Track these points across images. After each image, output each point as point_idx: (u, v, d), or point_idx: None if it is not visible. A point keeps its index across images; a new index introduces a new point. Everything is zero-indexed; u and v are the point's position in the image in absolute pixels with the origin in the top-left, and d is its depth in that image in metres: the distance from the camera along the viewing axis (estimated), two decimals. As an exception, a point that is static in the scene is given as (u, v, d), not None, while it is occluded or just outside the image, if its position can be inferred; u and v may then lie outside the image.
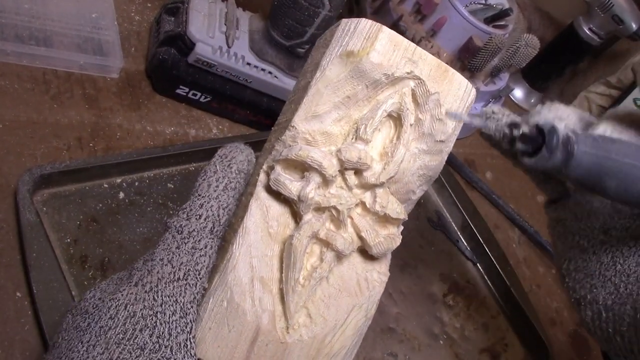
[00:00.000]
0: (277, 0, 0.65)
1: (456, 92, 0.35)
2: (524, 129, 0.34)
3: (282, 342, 0.34)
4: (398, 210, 0.36)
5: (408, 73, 0.34)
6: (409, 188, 0.36)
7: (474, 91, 0.36)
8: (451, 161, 0.90)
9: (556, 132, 0.33)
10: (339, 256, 0.36)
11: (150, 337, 0.29)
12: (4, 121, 0.58)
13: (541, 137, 0.33)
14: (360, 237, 0.36)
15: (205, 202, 0.33)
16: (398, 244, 0.36)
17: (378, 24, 0.34)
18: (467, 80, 0.36)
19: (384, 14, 0.90)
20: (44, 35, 0.64)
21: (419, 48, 0.34)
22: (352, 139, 0.35)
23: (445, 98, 0.35)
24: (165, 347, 0.29)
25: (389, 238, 0.36)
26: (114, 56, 0.67)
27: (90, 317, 0.30)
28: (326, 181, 0.34)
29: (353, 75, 0.34)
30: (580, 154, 0.33)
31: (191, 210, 0.33)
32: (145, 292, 0.30)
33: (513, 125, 0.34)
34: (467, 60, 0.88)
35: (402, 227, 0.37)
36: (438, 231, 0.81)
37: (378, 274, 0.37)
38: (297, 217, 0.35)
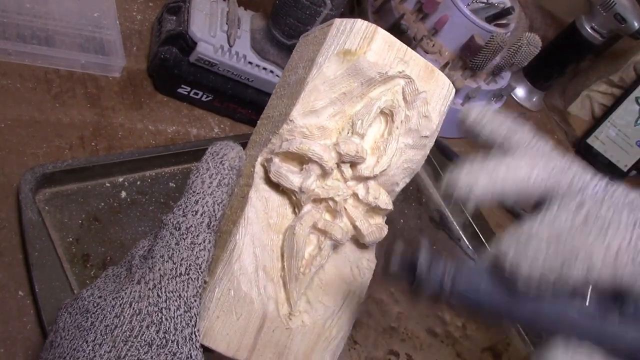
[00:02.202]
0: (279, -1, 0.66)
1: (440, 92, 0.38)
2: (394, 267, 0.32)
3: (286, 328, 0.35)
4: (387, 201, 0.38)
5: (400, 72, 0.36)
6: (394, 180, 0.39)
7: (453, 90, 0.39)
8: (453, 159, 0.90)
9: (422, 289, 0.31)
10: (335, 245, 0.37)
11: (157, 332, 0.30)
12: (6, 120, 0.58)
13: (411, 275, 0.32)
14: (354, 227, 0.37)
15: (200, 198, 0.33)
16: (386, 233, 0.39)
17: (373, 24, 0.36)
18: (449, 80, 0.38)
19: (385, 13, 0.90)
20: (46, 35, 0.64)
21: (409, 49, 0.36)
22: (348, 133, 0.36)
23: (431, 97, 0.37)
24: (172, 342, 0.30)
25: (379, 227, 0.38)
26: (115, 55, 0.67)
27: (93, 316, 0.31)
28: (325, 173, 0.36)
29: (349, 72, 0.35)
30: (452, 305, 0.32)
31: (187, 206, 0.33)
32: (149, 289, 0.31)
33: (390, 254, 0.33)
34: (468, 59, 0.88)
35: (385, 217, 0.39)
36: (440, 230, 0.81)
37: (367, 261, 0.40)
38: (294, 207, 0.37)
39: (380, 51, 0.35)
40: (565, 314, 0.33)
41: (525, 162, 0.35)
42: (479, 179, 0.34)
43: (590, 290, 0.33)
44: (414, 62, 0.36)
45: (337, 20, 0.36)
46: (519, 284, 0.32)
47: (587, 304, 0.33)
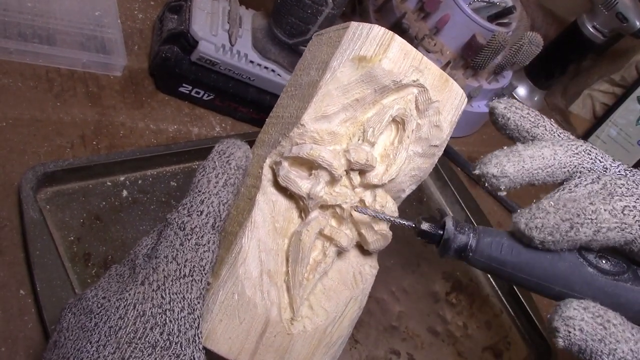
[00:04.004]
0: (280, -2, 0.65)
1: (453, 102, 0.37)
2: (424, 226, 0.36)
3: (288, 334, 0.35)
4: (393, 209, 0.38)
5: (414, 81, 0.36)
6: (401, 187, 0.38)
7: (465, 100, 0.38)
8: (454, 158, 0.90)
9: (449, 245, 0.35)
10: (340, 251, 0.37)
11: (161, 334, 0.30)
12: (7, 119, 0.58)
13: (440, 233, 0.36)
14: (360, 234, 0.37)
15: (205, 198, 0.33)
16: (390, 239, 0.39)
17: (390, 32, 0.35)
18: (462, 90, 0.38)
19: (386, 12, 0.90)
20: (47, 33, 0.64)
21: (425, 58, 0.36)
22: (359, 140, 0.36)
23: (443, 106, 0.37)
24: (175, 344, 0.30)
25: (383, 235, 0.38)
26: (117, 54, 0.67)
27: (97, 316, 0.31)
28: (333, 180, 0.35)
29: (364, 79, 0.35)
30: (474, 261, 0.35)
31: (192, 206, 0.33)
32: (153, 290, 0.31)
33: (421, 220, 0.36)
34: (470, 58, 0.88)
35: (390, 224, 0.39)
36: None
37: (370, 267, 0.40)
38: (301, 212, 0.36)
39: (395, 59, 0.35)
40: (581, 271, 0.34)
41: (550, 144, 0.38)
42: (509, 160, 0.37)
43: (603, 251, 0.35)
44: (429, 71, 0.36)
45: (354, 24, 0.35)
46: (535, 243, 0.34)
47: (603, 262, 0.35)
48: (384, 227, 0.38)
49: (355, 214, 0.37)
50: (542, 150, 0.37)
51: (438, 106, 0.36)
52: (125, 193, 0.60)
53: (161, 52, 0.67)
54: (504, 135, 0.42)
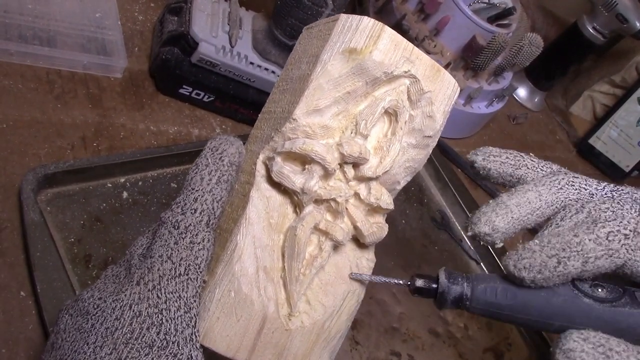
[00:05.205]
0: (281, 0, 0.66)
1: (445, 91, 0.37)
2: (419, 283, 0.37)
3: (286, 329, 0.35)
4: (388, 201, 0.38)
5: (405, 72, 0.36)
6: (396, 179, 0.38)
7: (458, 89, 0.38)
8: (455, 160, 0.90)
9: (445, 297, 0.36)
10: (336, 245, 0.37)
11: (158, 334, 0.30)
12: (7, 121, 0.58)
13: (434, 287, 0.37)
14: (355, 227, 0.37)
15: (199, 195, 0.33)
16: (386, 232, 0.39)
17: (380, 22, 0.35)
18: (454, 80, 0.37)
19: (387, 13, 0.90)
20: (48, 35, 0.64)
21: (416, 48, 0.36)
22: (351, 133, 0.36)
23: (436, 96, 0.37)
24: (172, 343, 0.30)
25: (379, 227, 0.38)
26: (117, 56, 0.67)
27: (94, 318, 0.31)
28: (327, 174, 0.35)
29: (355, 72, 0.35)
30: (472, 309, 0.36)
31: (185, 204, 0.33)
32: (149, 290, 0.31)
33: (414, 277, 0.37)
34: (470, 59, 0.88)
35: (385, 216, 0.39)
36: (442, 231, 0.81)
37: (367, 261, 0.39)
38: (295, 207, 0.36)
39: (386, 50, 0.34)
40: (577, 303, 0.34)
41: (533, 187, 0.38)
42: (497, 214, 0.37)
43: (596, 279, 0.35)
44: (420, 62, 0.36)
45: (343, 16, 0.35)
46: (526, 283, 0.34)
47: (598, 291, 0.35)
48: (379, 220, 0.38)
49: (351, 207, 0.37)
50: (527, 194, 0.38)
51: (430, 96, 0.36)
52: (125, 194, 0.60)
53: (161, 53, 0.67)
54: (489, 183, 0.42)
